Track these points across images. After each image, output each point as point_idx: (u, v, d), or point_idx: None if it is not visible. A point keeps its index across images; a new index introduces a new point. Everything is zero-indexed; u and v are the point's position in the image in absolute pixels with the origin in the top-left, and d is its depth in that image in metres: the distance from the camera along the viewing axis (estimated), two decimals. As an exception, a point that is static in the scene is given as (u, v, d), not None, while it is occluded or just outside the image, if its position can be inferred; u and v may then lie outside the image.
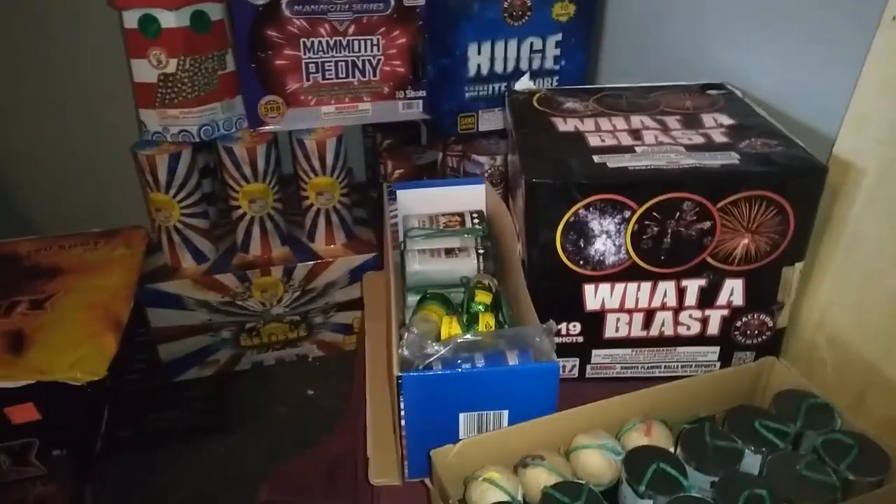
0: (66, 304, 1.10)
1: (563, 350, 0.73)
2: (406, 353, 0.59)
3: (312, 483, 1.08)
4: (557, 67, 1.21)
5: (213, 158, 1.39)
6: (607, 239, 0.66)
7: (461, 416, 0.59)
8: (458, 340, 0.59)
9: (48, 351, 0.99)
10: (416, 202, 0.92)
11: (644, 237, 0.66)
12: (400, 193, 0.92)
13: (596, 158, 0.67)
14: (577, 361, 0.75)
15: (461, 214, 0.89)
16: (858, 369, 0.65)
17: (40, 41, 1.47)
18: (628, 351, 0.73)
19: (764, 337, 0.71)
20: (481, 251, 0.81)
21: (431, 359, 0.58)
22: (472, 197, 0.93)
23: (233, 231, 1.34)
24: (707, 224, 0.65)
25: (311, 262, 1.32)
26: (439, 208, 0.90)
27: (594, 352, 0.74)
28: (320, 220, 1.35)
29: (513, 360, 0.60)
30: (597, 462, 0.53)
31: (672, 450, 0.55)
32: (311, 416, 1.33)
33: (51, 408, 0.98)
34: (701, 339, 0.72)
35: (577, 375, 0.75)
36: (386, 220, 0.88)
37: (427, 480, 0.54)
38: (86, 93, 1.52)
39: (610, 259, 0.67)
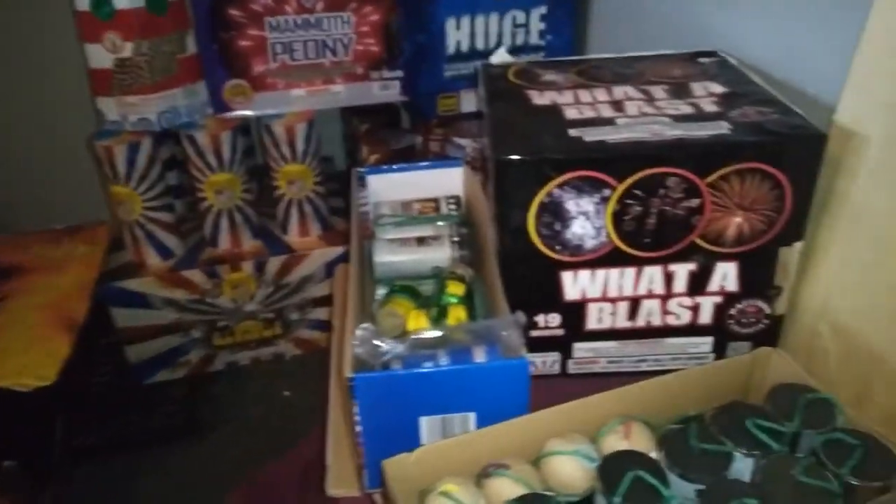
0: (19, 305, 1.04)
1: (542, 344, 0.68)
2: (359, 351, 0.53)
3: (284, 491, 1.02)
4: (543, 42, 1.15)
5: (179, 149, 1.32)
6: (585, 221, 0.60)
7: (422, 420, 0.54)
8: (414, 337, 0.52)
9: (-5, 355, 0.93)
10: (389, 188, 0.87)
11: (626, 218, 0.60)
12: (371, 178, 0.87)
13: (572, 132, 0.61)
14: (557, 356, 0.69)
15: (436, 200, 0.85)
16: (864, 359, 0.60)
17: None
18: (613, 344, 0.68)
19: (761, 325, 0.66)
20: (456, 239, 0.76)
21: (386, 357, 0.52)
22: (449, 181, 0.88)
23: (201, 225, 1.28)
24: (695, 202, 0.59)
25: (285, 256, 1.26)
26: (414, 194, 0.85)
27: (575, 345, 0.68)
28: (293, 211, 1.28)
29: (480, 356, 0.54)
30: (569, 470, 0.48)
31: (654, 454, 0.49)
32: (287, 418, 1.27)
33: (-3, 417, 0.92)
34: (692, 329, 0.66)
35: (558, 371, 0.70)
36: (354, 208, 0.83)
37: (377, 494, 0.47)
38: (46, 82, 1.45)
39: (589, 243, 0.62)
